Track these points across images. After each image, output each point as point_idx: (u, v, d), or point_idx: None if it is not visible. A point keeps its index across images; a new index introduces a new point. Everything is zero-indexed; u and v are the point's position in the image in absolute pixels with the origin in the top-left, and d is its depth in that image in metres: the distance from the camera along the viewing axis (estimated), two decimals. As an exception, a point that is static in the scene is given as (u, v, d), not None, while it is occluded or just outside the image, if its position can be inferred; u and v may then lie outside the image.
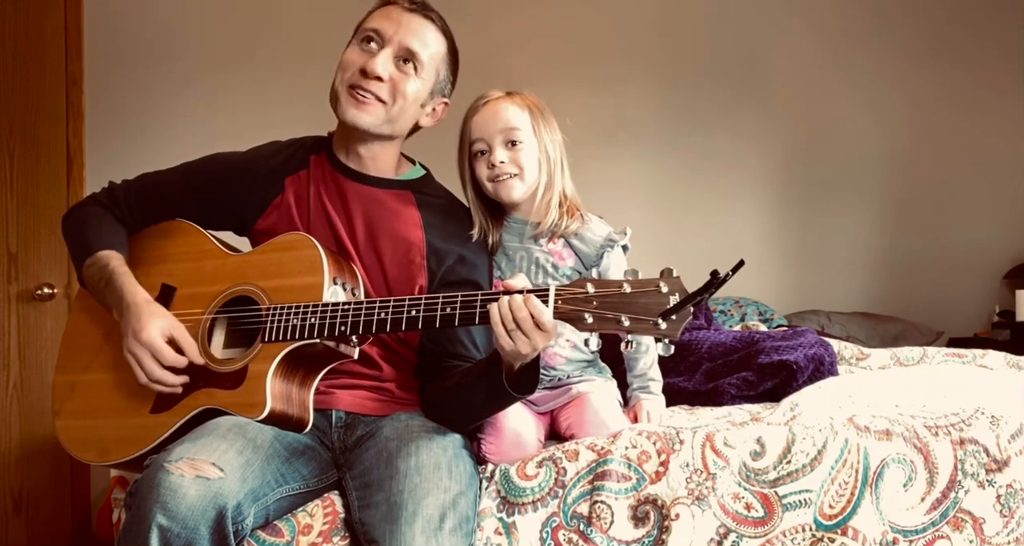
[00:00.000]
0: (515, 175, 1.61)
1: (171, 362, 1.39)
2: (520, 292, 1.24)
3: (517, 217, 1.67)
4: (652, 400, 1.70)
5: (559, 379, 1.66)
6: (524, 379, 1.33)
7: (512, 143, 1.61)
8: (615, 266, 1.61)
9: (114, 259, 1.51)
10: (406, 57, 1.50)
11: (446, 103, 1.61)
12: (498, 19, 3.63)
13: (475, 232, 1.62)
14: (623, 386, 1.75)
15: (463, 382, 1.45)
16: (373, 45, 1.50)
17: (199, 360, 1.41)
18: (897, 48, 4.03)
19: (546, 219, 1.63)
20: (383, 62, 1.48)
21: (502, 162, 1.60)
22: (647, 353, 1.71)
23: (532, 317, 1.22)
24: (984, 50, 4.08)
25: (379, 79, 1.48)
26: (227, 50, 3.29)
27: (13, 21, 2.71)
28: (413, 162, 1.67)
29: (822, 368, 1.98)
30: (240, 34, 3.32)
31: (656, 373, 1.73)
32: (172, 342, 1.40)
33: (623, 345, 1.21)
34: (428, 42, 1.52)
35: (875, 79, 4.02)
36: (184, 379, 1.41)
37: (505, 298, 1.24)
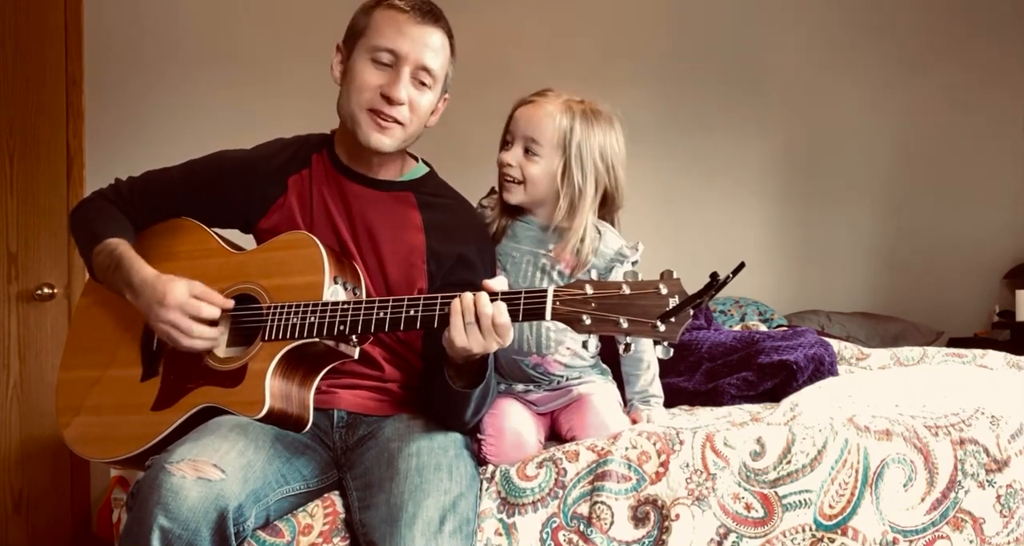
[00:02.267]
0: (519, 182, 1.59)
1: (206, 314, 1.38)
2: (496, 294, 1.26)
3: (531, 219, 1.65)
4: (653, 410, 1.69)
5: (558, 382, 1.66)
6: (472, 374, 1.36)
7: (530, 151, 1.58)
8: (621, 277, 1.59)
9: (121, 245, 1.51)
10: (422, 75, 1.49)
11: (446, 98, 1.61)
12: (498, 18, 3.63)
13: (494, 217, 1.64)
14: (622, 389, 1.74)
15: (431, 384, 1.46)
16: (387, 64, 1.47)
17: (229, 304, 1.41)
18: (897, 48, 4.03)
19: (565, 252, 1.56)
20: (405, 86, 1.47)
21: (509, 165, 1.59)
22: (647, 370, 1.68)
23: (492, 319, 1.24)
24: (984, 50, 4.08)
25: (400, 103, 1.48)
26: (226, 49, 3.29)
27: (13, 21, 2.71)
28: (416, 159, 1.66)
29: (822, 368, 1.98)
30: (239, 33, 3.32)
31: (657, 390, 1.70)
32: (199, 297, 1.39)
33: (622, 348, 1.21)
34: (439, 52, 1.50)
35: (875, 79, 4.02)
36: (218, 332, 1.41)
37: (470, 294, 1.26)
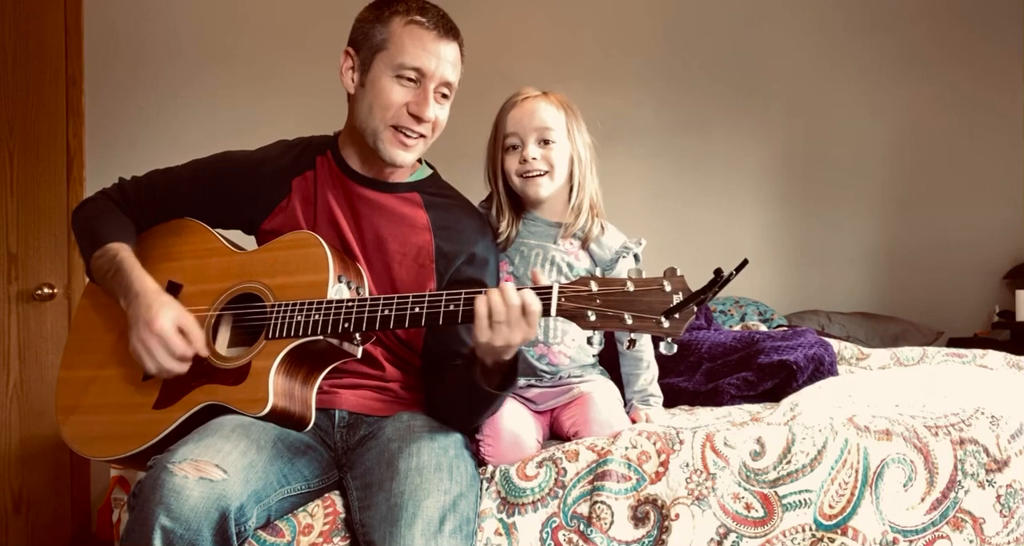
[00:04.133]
0: (545, 173, 1.65)
1: (181, 352, 1.38)
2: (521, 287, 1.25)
3: (538, 216, 1.70)
4: (652, 410, 1.70)
5: (560, 378, 1.66)
6: (502, 378, 1.34)
7: (545, 142, 1.65)
8: (626, 273, 1.63)
9: (123, 250, 1.51)
10: (444, 89, 1.51)
11: None
12: (499, 17, 3.63)
13: (497, 222, 1.67)
14: (621, 391, 1.74)
15: (451, 382, 1.46)
16: (412, 80, 1.48)
17: (204, 352, 1.41)
18: (897, 48, 4.03)
19: (578, 221, 1.67)
20: (432, 105, 1.49)
21: (534, 158, 1.64)
22: (647, 370, 1.71)
23: (522, 306, 1.23)
24: (984, 49, 4.08)
25: (429, 121, 1.49)
26: (226, 49, 3.29)
27: (13, 21, 2.71)
28: (420, 161, 1.66)
29: (822, 368, 1.98)
30: (239, 33, 3.32)
31: (656, 390, 1.73)
32: (182, 333, 1.40)
33: (626, 344, 1.23)
34: (458, 65, 1.52)
35: (875, 79, 4.02)
36: (187, 367, 1.41)
37: (495, 289, 1.25)
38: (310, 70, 2.89)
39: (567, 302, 1.22)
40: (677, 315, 1.17)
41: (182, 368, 1.40)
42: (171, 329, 1.38)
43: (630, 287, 1.19)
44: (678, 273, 1.20)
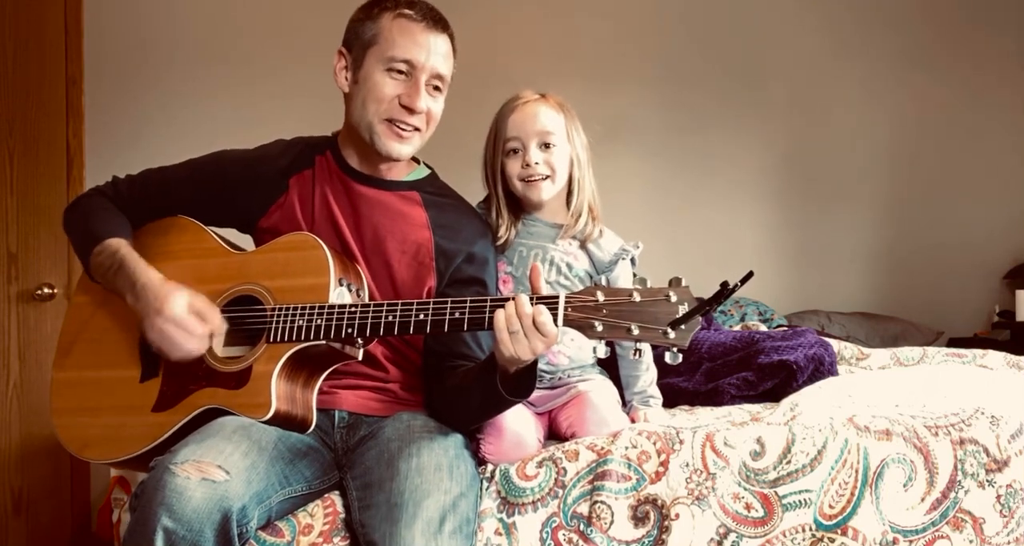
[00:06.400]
0: (547, 177, 1.66)
1: (200, 333, 1.38)
2: (530, 298, 1.25)
3: (537, 218, 1.71)
4: (652, 410, 1.71)
5: (559, 378, 1.66)
6: (520, 384, 1.33)
7: (546, 145, 1.66)
8: (624, 276, 1.65)
9: (123, 246, 1.50)
10: (436, 82, 1.52)
11: None
12: (499, 16, 3.63)
13: (496, 225, 1.67)
14: (620, 392, 1.74)
15: (462, 384, 1.45)
16: (403, 72, 1.49)
17: (222, 330, 1.41)
18: (898, 48, 4.03)
19: (578, 224, 1.67)
20: (424, 96, 1.49)
21: (536, 163, 1.64)
22: (647, 371, 1.72)
23: (536, 320, 1.22)
24: (985, 49, 4.08)
25: (421, 113, 1.50)
26: (226, 50, 3.29)
27: (13, 22, 2.71)
28: (418, 161, 1.67)
29: (822, 368, 1.98)
30: (239, 34, 3.32)
31: (655, 391, 1.73)
32: (197, 314, 1.39)
33: (632, 353, 1.24)
34: (449, 58, 1.53)
35: (875, 77, 4.02)
36: (208, 344, 1.41)
37: (511, 302, 1.25)
38: (310, 70, 2.88)
39: (574, 312, 1.22)
40: (683, 326, 1.17)
41: (203, 346, 1.40)
42: (184, 313, 1.37)
43: (636, 297, 1.19)
44: (683, 284, 1.20)
